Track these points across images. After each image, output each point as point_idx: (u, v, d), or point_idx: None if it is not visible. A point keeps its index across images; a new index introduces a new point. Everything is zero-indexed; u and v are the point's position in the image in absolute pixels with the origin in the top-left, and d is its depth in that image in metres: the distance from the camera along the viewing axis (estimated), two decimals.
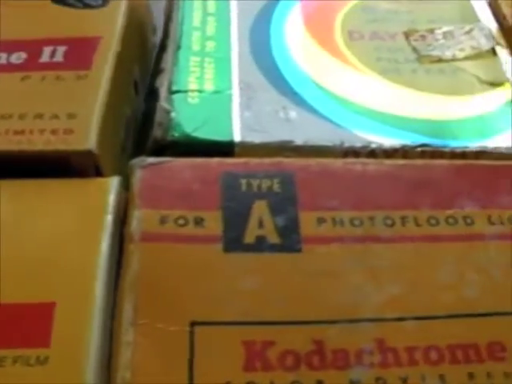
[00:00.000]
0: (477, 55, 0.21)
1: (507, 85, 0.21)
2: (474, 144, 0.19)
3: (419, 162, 0.18)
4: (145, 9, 0.23)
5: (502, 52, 0.21)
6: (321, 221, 0.17)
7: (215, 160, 0.18)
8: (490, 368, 0.15)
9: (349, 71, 0.21)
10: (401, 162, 0.18)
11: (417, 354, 0.15)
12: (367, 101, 0.20)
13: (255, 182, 0.17)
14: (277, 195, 0.17)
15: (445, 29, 0.22)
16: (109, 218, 0.16)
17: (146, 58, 0.22)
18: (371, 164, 0.18)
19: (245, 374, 0.14)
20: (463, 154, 0.19)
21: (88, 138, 0.17)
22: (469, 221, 0.17)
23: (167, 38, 0.21)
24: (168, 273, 0.16)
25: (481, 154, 0.19)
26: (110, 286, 0.15)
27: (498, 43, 0.22)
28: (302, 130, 0.19)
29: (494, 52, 0.22)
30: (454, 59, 0.21)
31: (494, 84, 0.21)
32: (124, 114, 0.20)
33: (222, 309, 0.15)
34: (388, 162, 0.18)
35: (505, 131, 0.19)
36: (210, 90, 0.19)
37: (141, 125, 0.20)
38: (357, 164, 0.18)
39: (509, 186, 0.18)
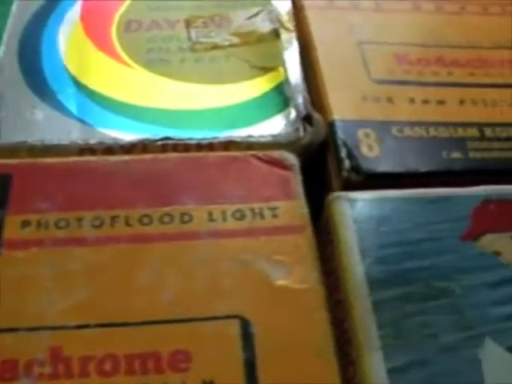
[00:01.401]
0: (257, 40, 0.20)
1: (280, 70, 0.19)
2: (225, 134, 0.17)
3: (147, 156, 0.17)
4: None
5: (286, 35, 0.20)
6: (26, 224, 0.16)
7: None
8: (169, 379, 0.14)
9: (114, 66, 0.20)
10: (126, 157, 0.17)
11: (90, 365, 0.14)
12: (122, 96, 0.19)
13: None
14: None
15: (231, 14, 0.20)
16: None
17: None
18: (95, 162, 0.17)
19: None
20: (211, 146, 0.17)
21: None
22: (186, 218, 0.16)
23: None
24: None
25: (230, 144, 0.17)
26: None
27: (282, 26, 0.20)
28: (44, 130, 0.18)
29: (277, 35, 0.20)
30: (232, 45, 0.19)
31: (266, 69, 0.19)
32: None
33: None
34: (113, 158, 0.17)
35: (267, 118, 0.18)
36: None
37: None
38: (80, 162, 0.17)
39: (238, 179, 0.16)
